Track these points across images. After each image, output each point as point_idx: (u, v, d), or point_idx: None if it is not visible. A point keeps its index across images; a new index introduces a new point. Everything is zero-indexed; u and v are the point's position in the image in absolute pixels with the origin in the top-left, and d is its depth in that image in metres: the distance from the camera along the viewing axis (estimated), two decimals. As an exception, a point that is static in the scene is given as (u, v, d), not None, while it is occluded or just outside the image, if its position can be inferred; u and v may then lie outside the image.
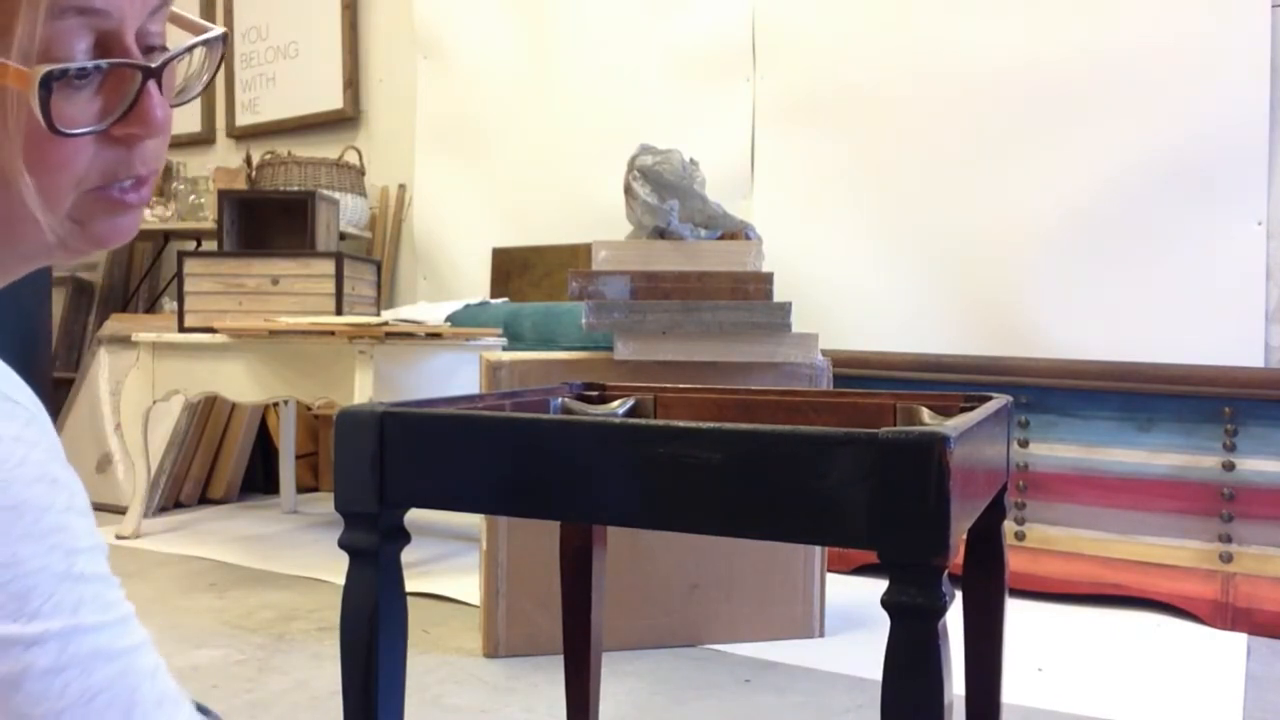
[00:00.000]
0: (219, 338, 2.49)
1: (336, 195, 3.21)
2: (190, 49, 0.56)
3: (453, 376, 2.42)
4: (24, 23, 0.45)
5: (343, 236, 3.29)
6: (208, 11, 4.03)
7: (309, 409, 3.09)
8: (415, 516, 0.80)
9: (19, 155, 0.48)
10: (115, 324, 3.34)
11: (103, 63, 0.49)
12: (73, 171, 0.50)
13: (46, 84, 0.46)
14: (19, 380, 0.47)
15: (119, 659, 0.46)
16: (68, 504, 0.46)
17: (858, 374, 2.39)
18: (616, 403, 1.15)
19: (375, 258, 3.28)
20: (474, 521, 2.54)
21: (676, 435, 0.67)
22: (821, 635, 1.87)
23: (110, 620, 0.46)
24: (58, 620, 0.43)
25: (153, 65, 0.51)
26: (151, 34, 0.53)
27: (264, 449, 3.39)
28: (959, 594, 0.79)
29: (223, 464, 3.24)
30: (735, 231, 1.89)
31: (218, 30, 0.57)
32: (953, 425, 0.67)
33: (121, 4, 0.49)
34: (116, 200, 0.53)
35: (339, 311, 2.57)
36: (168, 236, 3.74)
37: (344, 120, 3.72)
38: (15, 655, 0.42)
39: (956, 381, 2.31)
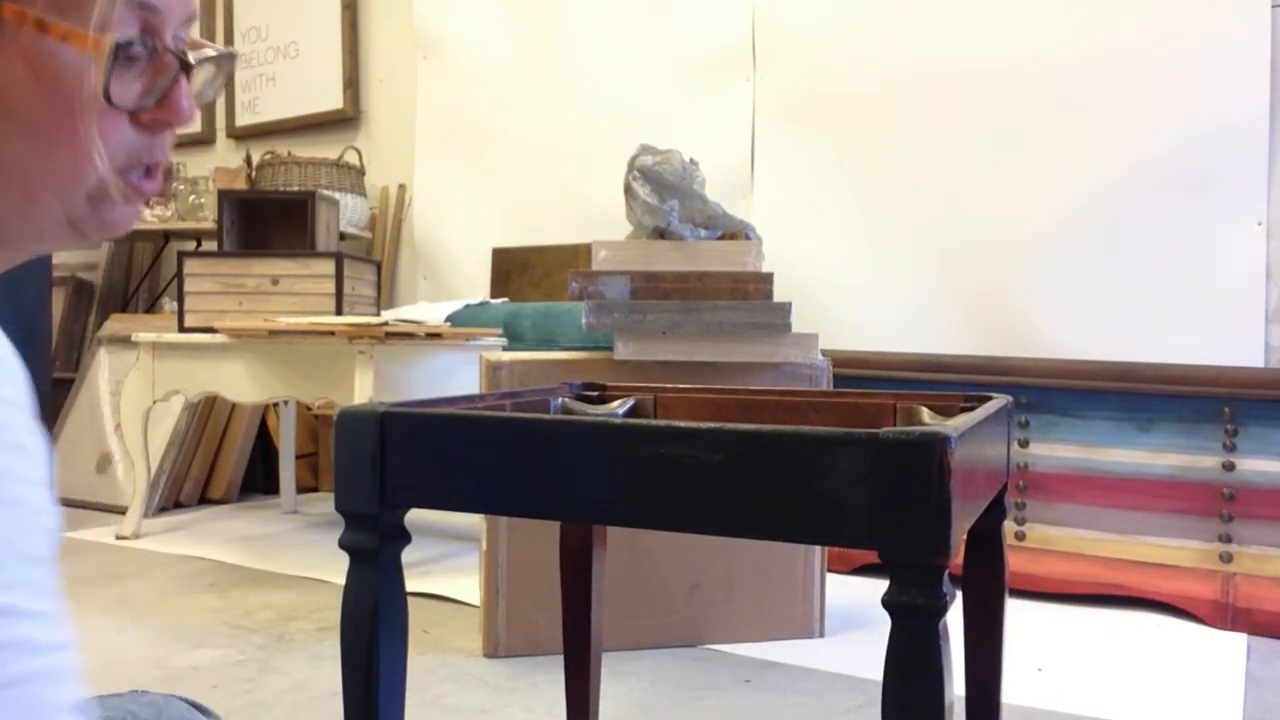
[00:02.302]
0: (219, 338, 2.49)
1: (336, 195, 3.21)
2: (219, 56, 0.61)
3: (453, 376, 2.42)
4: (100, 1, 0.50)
5: (343, 236, 3.29)
6: (208, 12, 4.03)
7: (309, 409, 3.09)
8: (415, 516, 0.80)
9: (94, 123, 0.51)
10: (115, 324, 3.34)
11: (158, 44, 0.54)
12: (110, 145, 0.54)
13: (113, 56, 0.51)
14: None
15: (43, 654, 0.41)
16: (34, 476, 0.43)
17: (858, 374, 2.39)
18: (616, 403, 1.15)
19: (375, 258, 3.28)
20: (474, 521, 2.54)
21: (677, 435, 0.67)
22: (821, 635, 1.87)
23: (45, 610, 0.42)
24: None
25: (190, 60, 0.56)
26: (180, 39, 0.57)
27: (264, 449, 3.39)
28: (959, 594, 0.79)
29: (223, 464, 3.24)
30: (735, 231, 1.89)
31: (234, 50, 0.64)
32: (953, 425, 0.67)
33: (172, 4, 0.55)
34: (134, 185, 0.57)
35: (339, 311, 2.57)
36: (168, 236, 3.74)
37: (344, 120, 3.72)
38: None
39: (956, 381, 2.31)
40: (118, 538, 2.67)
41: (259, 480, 3.39)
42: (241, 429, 3.24)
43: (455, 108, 3.43)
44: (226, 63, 0.62)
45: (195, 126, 4.06)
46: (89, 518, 2.96)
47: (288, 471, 3.09)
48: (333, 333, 2.28)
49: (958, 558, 0.67)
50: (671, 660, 1.75)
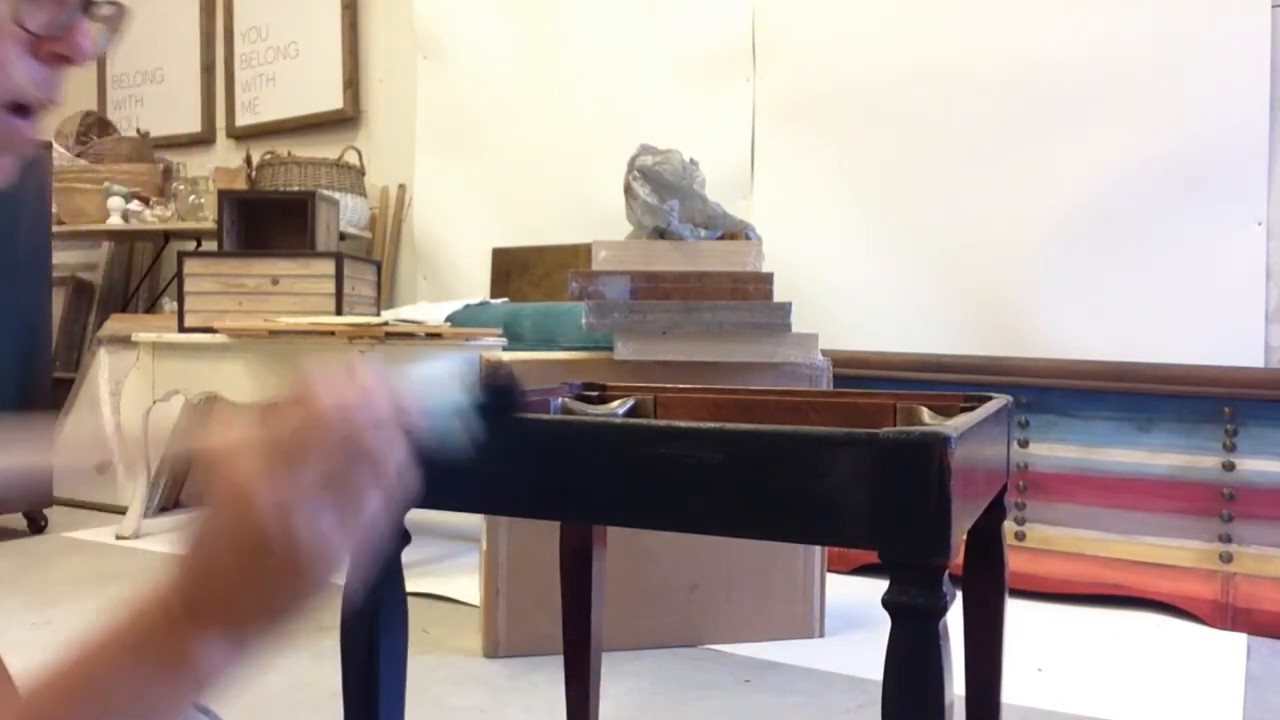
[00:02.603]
0: (219, 338, 2.49)
1: (336, 195, 3.21)
2: (112, 10, 0.59)
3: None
4: None
5: (343, 236, 3.29)
6: (207, 12, 4.03)
7: (309, 409, 3.08)
8: (415, 516, 0.80)
9: (8, 44, 0.50)
10: (115, 324, 3.34)
11: None
12: (8, 73, 0.52)
13: None
14: None
15: None
16: None
17: (858, 374, 2.39)
18: (616, 403, 1.15)
19: (375, 258, 3.28)
20: (474, 521, 2.54)
21: (677, 435, 0.67)
22: (821, 635, 1.87)
23: None
24: None
25: None
26: None
27: (264, 449, 3.38)
28: (959, 594, 0.79)
29: (223, 464, 3.23)
30: (735, 231, 1.89)
31: (127, 7, 0.60)
32: (953, 425, 0.67)
33: None
34: (20, 131, 0.54)
35: (339, 311, 2.57)
36: (168, 236, 3.73)
37: (344, 120, 3.72)
38: None
39: (956, 381, 2.31)
40: (118, 538, 2.67)
41: (259, 480, 3.39)
42: (241, 429, 3.24)
43: (455, 108, 3.43)
44: (119, 19, 0.60)
45: (195, 126, 4.06)
46: (89, 518, 2.96)
47: (288, 471, 3.09)
48: (333, 333, 2.28)
49: (958, 558, 0.67)
50: (671, 660, 1.75)
